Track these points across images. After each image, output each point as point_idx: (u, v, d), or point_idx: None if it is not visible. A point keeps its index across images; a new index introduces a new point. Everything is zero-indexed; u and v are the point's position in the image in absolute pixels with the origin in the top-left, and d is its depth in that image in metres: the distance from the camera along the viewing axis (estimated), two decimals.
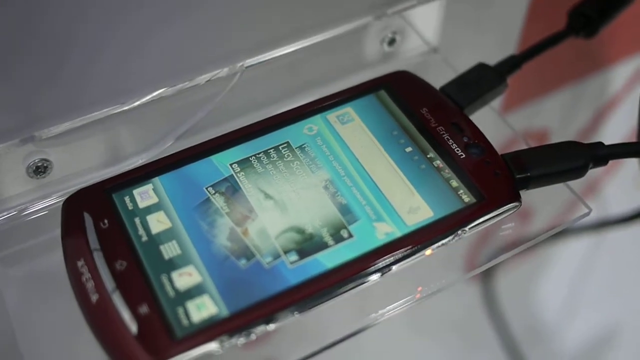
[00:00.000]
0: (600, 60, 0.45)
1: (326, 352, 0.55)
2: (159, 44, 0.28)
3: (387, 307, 0.27)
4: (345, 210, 0.27)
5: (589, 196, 0.59)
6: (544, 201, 0.30)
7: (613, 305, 0.70)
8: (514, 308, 0.64)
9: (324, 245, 0.26)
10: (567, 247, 0.62)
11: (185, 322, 0.24)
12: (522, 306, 0.67)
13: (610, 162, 0.29)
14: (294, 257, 0.25)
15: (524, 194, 0.28)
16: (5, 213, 0.29)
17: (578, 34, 0.34)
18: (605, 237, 0.60)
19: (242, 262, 0.25)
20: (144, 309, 0.24)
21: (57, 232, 0.26)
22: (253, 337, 0.24)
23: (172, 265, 0.25)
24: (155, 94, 0.29)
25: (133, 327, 0.23)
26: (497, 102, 0.41)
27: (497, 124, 0.34)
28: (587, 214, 0.30)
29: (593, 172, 0.30)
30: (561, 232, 0.57)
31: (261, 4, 0.29)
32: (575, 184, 0.30)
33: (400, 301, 0.27)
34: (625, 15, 0.35)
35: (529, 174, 0.28)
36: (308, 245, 0.26)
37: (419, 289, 0.28)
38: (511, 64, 0.32)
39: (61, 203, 0.27)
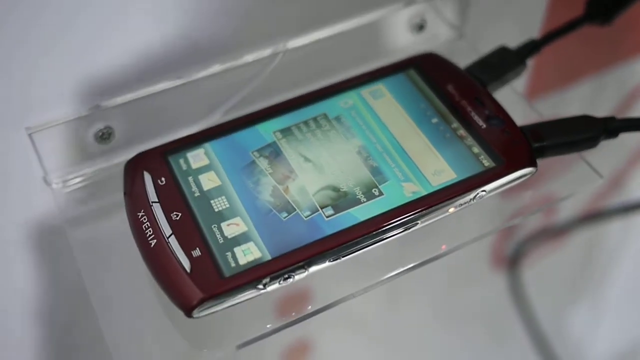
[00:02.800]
0: (624, 50, 0.48)
1: (354, 340, 0.57)
2: (209, 26, 0.32)
3: (413, 262, 0.30)
4: (376, 171, 0.30)
5: (617, 187, 0.61)
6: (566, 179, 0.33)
7: None
8: (541, 298, 0.65)
9: (357, 202, 0.29)
10: (596, 234, 0.63)
11: (232, 264, 0.27)
12: (549, 296, 0.68)
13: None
14: (330, 211, 0.28)
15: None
16: (72, 177, 0.32)
17: (594, 20, 0.36)
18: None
19: (283, 215, 0.28)
20: (196, 252, 0.27)
21: (120, 195, 0.30)
22: (291, 280, 0.27)
23: (221, 216, 0.28)
24: (207, 71, 0.32)
25: (187, 267, 0.26)
26: (523, 88, 0.43)
27: (524, 108, 0.36)
28: (599, 181, 0.32)
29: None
30: (590, 219, 0.59)
31: None
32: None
33: (426, 257, 0.30)
34: None
35: (544, 143, 0.31)
36: (342, 201, 0.29)
37: (443, 246, 0.31)
38: (531, 47, 0.35)
39: (122, 168, 0.30)
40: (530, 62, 0.36)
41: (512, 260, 0.61)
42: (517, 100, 0.36)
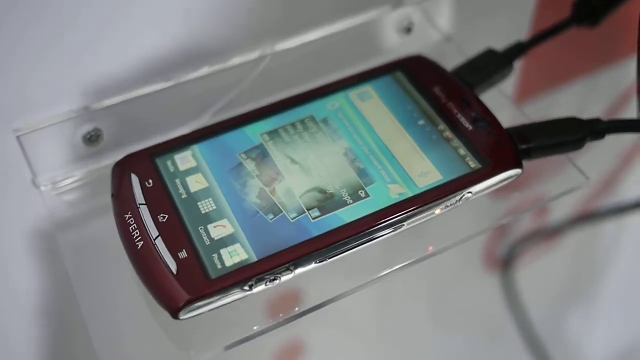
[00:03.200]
0: (614, 52, 0.48)
1: (347, 341, 0.57)
2: (198, 29, 0.32)
3: (400, 263, 0.30)
4: (362, 173, 0.30)
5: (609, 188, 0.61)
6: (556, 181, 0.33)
7: None
8: (534, 300, 0.65)
9: (343, 203, 0.29)
10: (589, 235, 0.63)
11: (219, 265, 0.27)
12: (543, 298, 0.68)
13: None
14: (316, 213, 0.28)
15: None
16: (61, 179, 0.32)
17: (582, 22, 0.37)
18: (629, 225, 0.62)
19: (270, 217, 0.28)
20: (182, 254, 0.27)
21: (108, 197, 0.30)
22: (277, 281, 0.27)
23: (208, 218, 0.28)
24: (196, 73, 0.33)
25: (173, 269, 0.27)
26: (511, 91, 0.43)
27: (512, 112, 0.37)
28: (585, 183, 0.32)
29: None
30: (583, 220, 0.59)
31: None
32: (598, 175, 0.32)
33: (413, 259, 0.30)
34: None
35: (530, 145, 0.31)
36: (329, 203, 0.29)
37: (430, 248, 0.31)
38: (518, 50, 0.35)
39: (110, 170, 0.30)
40: (519, 65, 0.36)
41: (505, 261, 0.61)
42: (504, 103, 0.36)
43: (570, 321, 0.72)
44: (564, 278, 0.68)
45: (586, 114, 0.32)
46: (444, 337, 0.63)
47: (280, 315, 0.29)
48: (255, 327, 0.28)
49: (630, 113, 0.54)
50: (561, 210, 0.59)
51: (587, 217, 0.61)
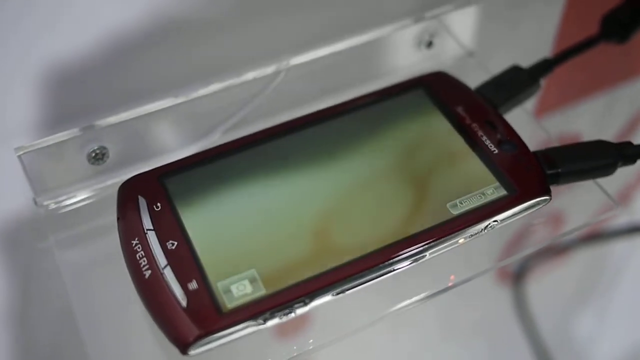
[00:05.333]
0: (635, 67, 0.46)
1: (360, 354, 0.56)
2: (211, 45, 0.30)
3: (421, 295, 0.28)
4: None
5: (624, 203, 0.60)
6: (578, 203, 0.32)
7: None
8: (545, 314, 0.64)
9: None
10: (602, 252, 0.62)
11: (231, 298, 0.25)
12: (554, 312, 0.67)
13: None
14: None
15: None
16: (65, 197, 0.31)
17: (610, 39, 0.35)
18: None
19: None
20: (193, 285, 0.25)
21: (112, 216, 0.28)
22: (293, 315, 0.26)
23: None
24: (207, 89, 0.31)
25: (183, 301, 0.25)
26: (531, 106, 0.42)
27: (532, 127, 0.35)
28: (616, 214, 0.31)
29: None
30: (596, 238, 0.58)
31: (306, 6, 0.31)
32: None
33: (434, 290, 0.29)
34: None
35: (559, 170, 0.29)
36: None
37: (452, 277, 0.29)
38: (544, 67, 0.33)
39: (117, 189, 0.29)
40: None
41: (517, 276, 0.60)
42: (525, 119, 0.35)
43: (580, 335, 0.71)
44: (576, 293, 0.67)
45: (606, 130, 0.31)
46: (455, 351, 0.62)
47: (295, 347, 0.27)
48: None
49: None
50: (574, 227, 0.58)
51: (599, 236, 0.59)
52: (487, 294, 0.61)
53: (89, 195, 0.31)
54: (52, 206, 0.31)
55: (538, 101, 0.43)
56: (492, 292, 0.61)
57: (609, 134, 0.50)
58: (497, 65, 0.34)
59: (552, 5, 0.39)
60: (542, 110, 0.44)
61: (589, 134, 0.49)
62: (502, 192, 0.28)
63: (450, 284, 0.29)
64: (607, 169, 0.30)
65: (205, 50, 0.31)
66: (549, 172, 0.29)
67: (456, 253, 0.29)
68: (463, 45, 0.37)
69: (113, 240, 0.28)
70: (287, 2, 0.32)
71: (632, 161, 0.30)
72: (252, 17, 0.31)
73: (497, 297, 0.62)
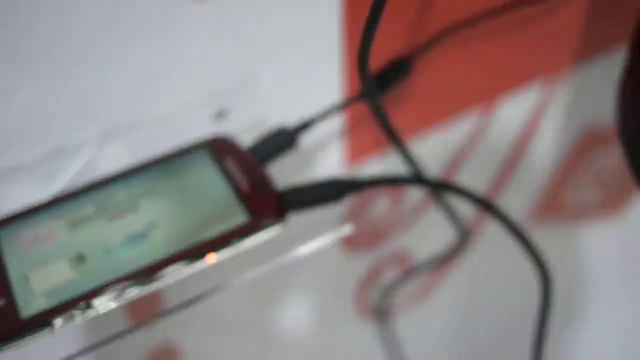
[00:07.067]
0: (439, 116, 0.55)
1: None
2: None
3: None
4: None
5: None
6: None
7: None
8: (413, 347, 0.68)
9: None
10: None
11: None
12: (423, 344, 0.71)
13: None
14: None
15: None
16: None
17: (367, 97, 0.45)
18: None
19: None
20: None
21: None
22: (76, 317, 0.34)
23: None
24: None
25: None
26: (340, 155, 0.50)
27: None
28: (347, 231, 0.40)
29: None
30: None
31: None
32: None
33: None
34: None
35: (294, 200, 0.39)
36: None
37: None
38: (304, 126, 0.43)
39: None
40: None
41: (379, 311, 0.62)
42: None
43: None
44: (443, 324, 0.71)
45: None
46: None
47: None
48: None
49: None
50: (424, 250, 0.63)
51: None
52: (354, 331, 0.62)
53: None
54: None
55: (349, 149, 0.52)
56: (356, 329, 0.62)
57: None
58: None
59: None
60: (354, 157, 0.53)
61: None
62: (246, 218, 0.38)
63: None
64: (336, 199, 0.40)
65: None
66: (285, 203, 0.39)
67: None
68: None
69: None
70: None
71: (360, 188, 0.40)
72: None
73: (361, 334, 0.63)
